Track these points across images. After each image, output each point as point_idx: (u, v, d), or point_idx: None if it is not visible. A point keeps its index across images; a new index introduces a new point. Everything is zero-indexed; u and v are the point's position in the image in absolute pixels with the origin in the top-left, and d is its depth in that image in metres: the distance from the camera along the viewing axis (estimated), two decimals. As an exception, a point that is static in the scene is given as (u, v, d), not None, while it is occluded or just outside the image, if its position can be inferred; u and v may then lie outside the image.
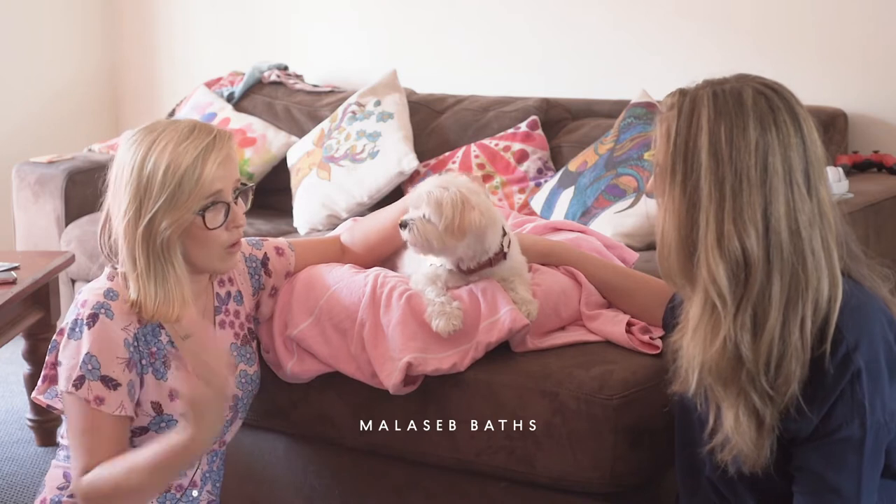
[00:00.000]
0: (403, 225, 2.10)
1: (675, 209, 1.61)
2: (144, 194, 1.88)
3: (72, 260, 3.23)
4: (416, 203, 2.11)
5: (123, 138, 1.99)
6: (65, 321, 1.94)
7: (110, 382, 1.89)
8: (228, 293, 2.12)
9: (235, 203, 1.96)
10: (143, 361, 1.95)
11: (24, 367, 3.24)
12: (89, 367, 1.88)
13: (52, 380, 1.96)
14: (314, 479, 2.38)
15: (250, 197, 2.02)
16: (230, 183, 1.95)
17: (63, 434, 2.00)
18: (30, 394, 3.22)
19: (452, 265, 2.16)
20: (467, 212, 2.05)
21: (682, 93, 1.64)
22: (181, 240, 1.92)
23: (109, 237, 1.97)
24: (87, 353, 1.88)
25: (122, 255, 1.92)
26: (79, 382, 1.88)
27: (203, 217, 1.91)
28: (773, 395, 1.58)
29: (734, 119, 1.57)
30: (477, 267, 2.15)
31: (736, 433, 1.60)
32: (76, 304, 1.94)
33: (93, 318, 1.90)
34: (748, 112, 1.57)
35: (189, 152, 1.89)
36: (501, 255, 2.15)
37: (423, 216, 2.07)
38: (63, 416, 1.96)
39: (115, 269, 1.97)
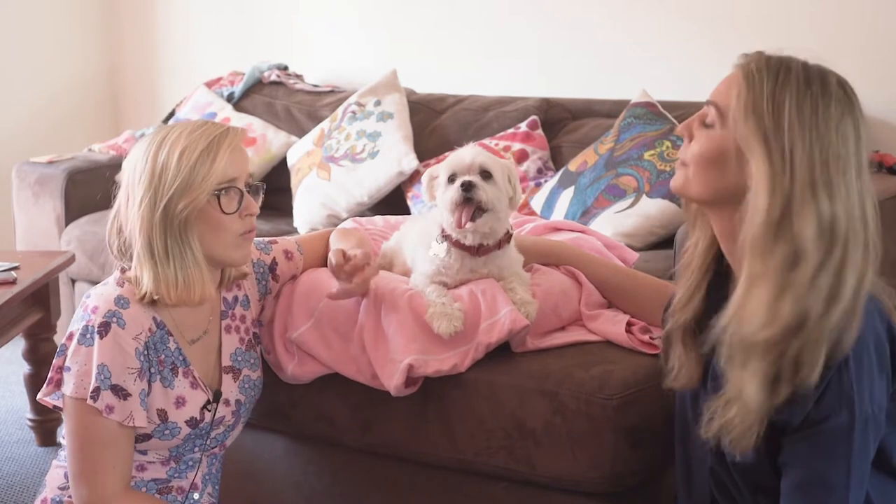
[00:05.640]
0: (468, 187, 2.07)
1: (761, 155, 1.60)
2: (160, 181, 1.90)
3: (72, 260, 3.23)
4: (466, 169, 2.10)
5: (133, 145, 2.00)
6: (73, 325, 1.94)
7: (120, 392, 1.89)
8: (235, 298, 2.12)
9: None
10: (153, 369, 1.95)
11: (24, 367, 3.24)
12: (102, 377, 1.88)
13: (58, 383, 1.95)
14: (314, 479, 2.38)
15: (261, 195, 2.04)
16: (243, 173, 1.97)
17: (65, 434, 2.00)
18: (30, 393, 3.23)
19: (476, 241, 2.14)
20: (515, 180, 2.12)
21: (765, 54, 1.65)
22: (196, 225, 1.93)
23: (120, 235, 1.97)
24: (100, 363, 1.88)
25: (138, 246, 1.92)
26: (95, 394, 1.88)
27: (219, 199, 1.93)
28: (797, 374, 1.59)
29: (820, 93, 1.60)
30: (489, 247, 2.15)
31: (753, 396, 1.59)
32: (86, 308, 1.93)
33: (105, 327, 1.89)
34: (831, 93, 1.61)
35: (203, 139, 1.92)
36: (507, 237, 2.17)
37: (485, 179, 2.08)
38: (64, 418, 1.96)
39: (125, 272, 1.97)
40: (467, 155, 2.11)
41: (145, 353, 1.93)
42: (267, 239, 2.24)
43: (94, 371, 1.88)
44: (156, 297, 1.92)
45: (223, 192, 1.93)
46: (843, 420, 1.58)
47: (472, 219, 2.09)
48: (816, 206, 1.57)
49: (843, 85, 1.64)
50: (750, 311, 1.60)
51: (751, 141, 1.61)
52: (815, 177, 1.57)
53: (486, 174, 2.10)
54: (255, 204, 1.99)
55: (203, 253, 1.95)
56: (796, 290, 1.57)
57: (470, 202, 2.08)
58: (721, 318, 1.64)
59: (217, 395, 2.03)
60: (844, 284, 1.58)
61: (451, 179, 2.11)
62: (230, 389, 2.06)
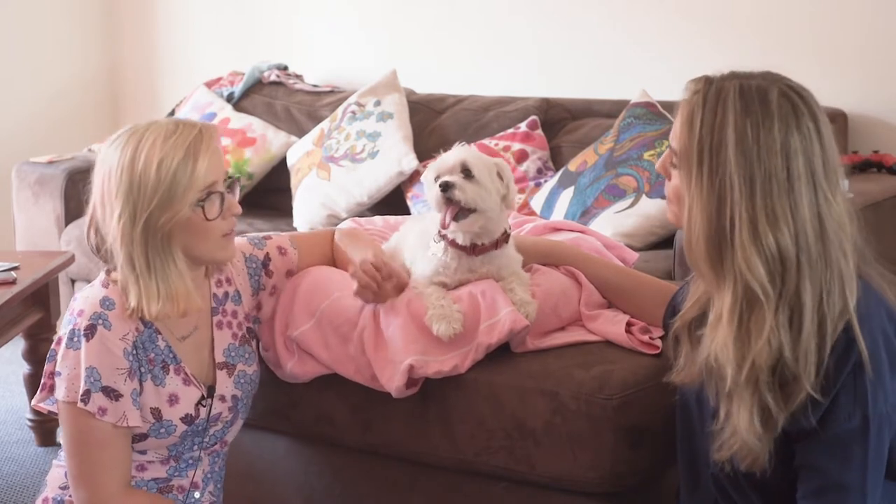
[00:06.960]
0: (446, 187, 2.07)
1: (702, 200, 1.60)
2: (138, 194, 1.87)
3: (72, 260, 3.23)
4: (449, 169, 2.09)
5: (105, 143, 1.97)
6: (62, 329, 1.93)
7: (112, 393, 1.89)
8: (226, 293, 2.12)
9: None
10: (143, 368, 1.94)
11: (24, 367, 3.24)
12: (91, 379, 1.87)
13: (51, 388, 1.95)
14: (314, 479, 2.38)
15: (238, 189, 2.02)
16: (221, 174, 1.95)
17: (62, 438, 2.00)
18: (30, 394, 3.23)
19: (468, 241, 2.14)
20: (508, 178, 2.12)
21: (707, 80, 1.63)
22: (179, 236, 1.91)
23: (103, 242, 1.95)
24: (89, 366, 1.88)
25: (120, 259, 1.90)
26: (86, 397, 1.87)
27: (203, 209, 1.91)
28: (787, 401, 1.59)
29: (760, 118, 1.58)
30: (485, 247, 2.15)
31: (749, 432, 1.59)
32: (72, 312, 1.93)
33: (91, 330, 1.89)
34: (773, 112, 1.58)
35: (179, 146, 1.88)
36: (505, 237, 2.16)
37: (467, 178, 2.07)
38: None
39: (111, 273, 1.96)
40: (451, 155, 2.12)
41: (134, 352, 1.92)
42: (261, 234, 2.24)
43: (83, 374, 1.87)
44: (145, 314, 1.90)
45: (206, 200, 1.91)
46: (857, 422, 1.58)
47: (456, 219, 2.09)
48: (759, 243, 1.56)
49: (786, 95, 1.60)
50: (718, 349, 1.60)
51: (691, 186, 1.61)
52: (756, 212, 1.56)
53: (468, 173, 2.09)
54: (236, 203, 1.98)
55: (187, 257, 1.94)
56: (756, 327, 1.57)
57: (451, 202, 2.08)
58: (701, 348, 1.65)
59: (211, 391, 2.03)
60: (804, 308, 1.56)
61: (437, 180, 2.11)
62: (225, 385, 2.05)
